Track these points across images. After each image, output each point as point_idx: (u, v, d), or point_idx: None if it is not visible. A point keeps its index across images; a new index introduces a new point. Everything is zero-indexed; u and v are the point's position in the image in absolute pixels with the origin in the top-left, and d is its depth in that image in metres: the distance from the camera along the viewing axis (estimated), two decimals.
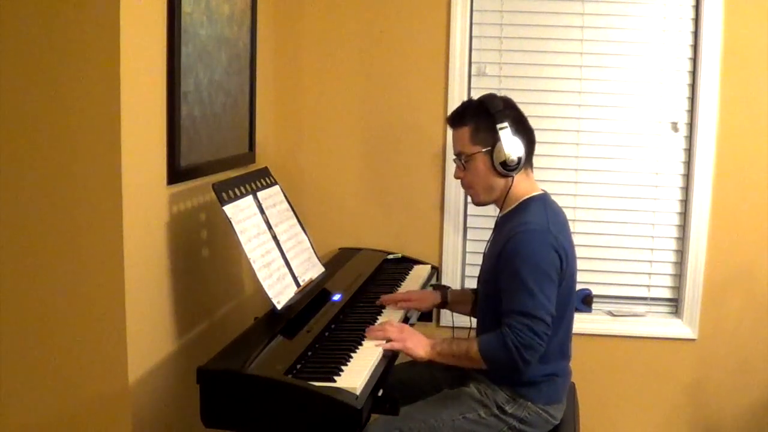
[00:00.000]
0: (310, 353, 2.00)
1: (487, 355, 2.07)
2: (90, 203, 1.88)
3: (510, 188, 2.20)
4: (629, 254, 3.08)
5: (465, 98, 2.90)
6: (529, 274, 2.05)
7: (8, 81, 1.86)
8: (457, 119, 2.24)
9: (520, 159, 2.16)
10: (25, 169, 1.88)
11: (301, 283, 2.29)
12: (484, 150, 2.18)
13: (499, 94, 2.25)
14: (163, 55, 2.08)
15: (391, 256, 3.00)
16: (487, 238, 2.30)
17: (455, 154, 2.27)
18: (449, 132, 2.30)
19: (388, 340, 2.10)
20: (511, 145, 2.15)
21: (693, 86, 2.97)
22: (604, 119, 3.03)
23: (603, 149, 3.04)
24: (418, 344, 2.12)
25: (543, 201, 2.20)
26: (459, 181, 2.31)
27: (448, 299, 2.53)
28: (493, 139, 2.16)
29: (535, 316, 2.03)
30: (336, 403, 1.73)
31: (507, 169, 2.17)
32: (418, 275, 2.82)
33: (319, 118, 3.08)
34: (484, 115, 2.18)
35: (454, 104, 2.77)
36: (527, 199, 2.20)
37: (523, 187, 2.22)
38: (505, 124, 2.15)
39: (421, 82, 3.02)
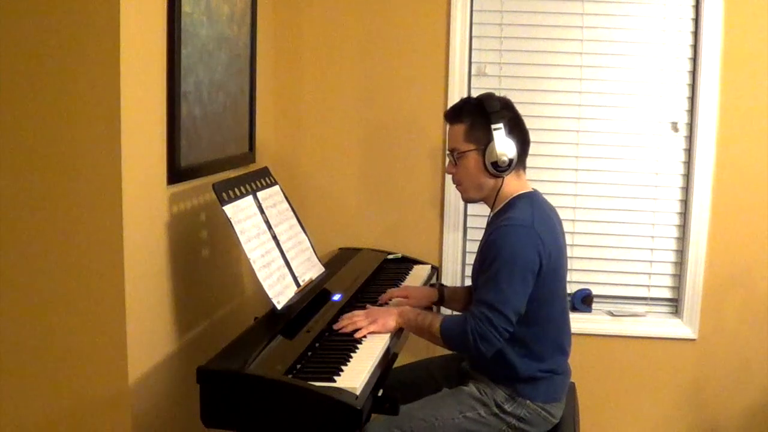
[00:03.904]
0: (310, 353, 2.00)
1: (446, 334, 2.13)
2: (90, 203, 1.88)
3: (500, 189, 2.21)
4: (629, 254, 3.08)
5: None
6: (502, 269, 2.06)
7: (8, 81, 1.86)
8: (454, 115, 2.25)
9: (511, 161, 2.16)
10: (25, 169, 1.88)
11: (301, 283, 2.29)
12: (477, 149, 2.19)
13: (498, 94, 2.25)
14: (163, 55, 2.08)
15: (391, 256, 3.00)
16: None
17: (449, 150, 2.28)
18: (449, 132, 2.30)
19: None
20: (503, 146, 2.15)
21: (693, 86, 2.97)
22: (604, 119, 3.03)
23: (603, 149, 3.04)
24: (387, 318, 2.20)
25: (530, 198, 2.20)
26: (451, 176, 2.32)
27: (445, 296, 2.53)
28: (487, 139, 2.16)
29: (498, 309, 2.05)
30: (336, 403, 1.73)
31: (498, 169, 2.17)
32: (418, 275, 2.82)
33: (319, 118, 3.08)
34: (480, 114, 2.18)
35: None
36: (515, 197, 2.21)
37: (514, 186, 2.22)
38: (500, 125, 2.15)
39: (421, 82, 3.02)
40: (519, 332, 2.11)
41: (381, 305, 2.39)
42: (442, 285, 2.59)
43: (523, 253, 2.07)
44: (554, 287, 2.16)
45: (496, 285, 2.06)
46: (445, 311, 2.59)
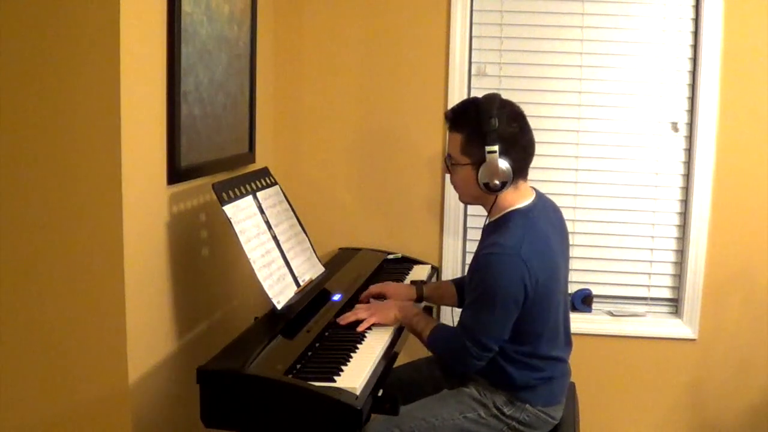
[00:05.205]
0: (310, 353, 2.00)
1: (430, 347, 2.20)
2: (90, 203, 1.88)
3: (496, 200, 2.14)
4: (629, 254, 3.08)
5: (464, 98, 2.87)
6: (484, 298, 2.04)
7: (8, 81, 1.86)
8: (453, 121, 2.17)
9: (504, 183, 2.08)
10: (25, 169, 1.88)
11: (301, 283, 2.29)
12: (471, 163, 2.11)
13: (504, 97, 2.15)
14: (163, 55, 2.08)
15: (391, 256, 3.00)
16: None
17: (447, 153, 2.22)
18: (448, 135, 2.28)
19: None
20: (495, 169, 2.06)
21: (693, 86, 2.97)
22: (604, 119, 3.03)
23: (603, 149, 3.04)
24: (387, 313, 2.25)
25: (525, 216, 2.11)
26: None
27: (423, 294, 2.50)
28: (481, 157, 2.08)
29: (476, 338, 2.06)
30: (336, 404, 1.73)
31: (490, 189, 2.10)
32: (418, 275, 2.81)
33: (319, 118, 3.08)
34: (477, 129, 2.08)
35: (454, 104, 2.76)
36: (510, 212, 2.13)
37: (510, 199, 2.13)
38: (495, 147, 2.05)
39: (421, 82, 3.02)
40: (510, 350, 2.11)
41: (362, 302, 2.41)
42: (422, 282, 2.55)
43: (506, 285, 2.01)
44: (545, 307, 2.10)
45: (477, 312, 2.07)
46: (446, 313, 2.58)
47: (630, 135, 3.02)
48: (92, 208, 1.88)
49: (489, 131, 2.06)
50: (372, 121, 3.07)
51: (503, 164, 2.07)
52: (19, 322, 1.93)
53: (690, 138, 3.00)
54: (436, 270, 3.01)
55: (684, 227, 3.04)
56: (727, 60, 2.91)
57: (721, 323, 3.04)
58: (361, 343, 2.09)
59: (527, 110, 2.20)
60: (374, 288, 2.47)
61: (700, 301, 3.02)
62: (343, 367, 1.91)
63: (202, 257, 2.40)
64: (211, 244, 2.43)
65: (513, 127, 2.10)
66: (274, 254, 2.21)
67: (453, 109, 2.23)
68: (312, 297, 2.31)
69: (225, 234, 2.28)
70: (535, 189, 2.23)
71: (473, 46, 3.03)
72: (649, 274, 3.09)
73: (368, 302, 2.41)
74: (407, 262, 2.97)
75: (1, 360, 1.94)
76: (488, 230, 2.19)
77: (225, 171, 2.50)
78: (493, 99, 2.12)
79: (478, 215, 3.01)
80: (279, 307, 2.11)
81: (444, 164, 2.28)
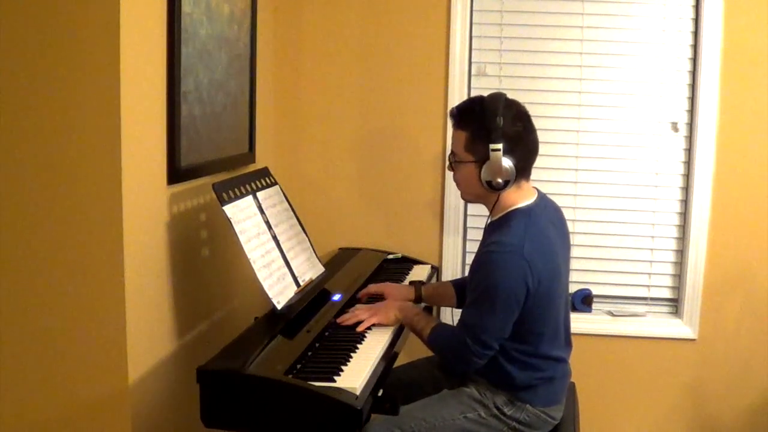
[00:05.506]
0: (310, 353, 2.00)
1: (431, 346, 2.21)
2: (90, 203, 1.88)
3: (498, 199, 2.14)
4: (629, 254, 3.08)
5: (465, 98, 2.87)
6: (485, 296, 2.04)
7: (8, 81, 1.86)
8: (458, 119, 2.17)
9: (507, 182, 2.08)
10: (25, 169, 1.88)
11: (301, 283, 2.29)
12: (474, 161, 2.11)
13: (509, 97, 2.15)
14: (163, 55, 2.08)
15: (391, 256, 3.00)
16: None
17: (450, 150, 2.22)
18: (449, 132, 2.28)
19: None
20: (499, 168, 2.07)
21: (693, 86, 2.97)
22: (604, 119, 3.03)
23: (603, 149, 3.04)
24: (387, 313, 2.25)
25: (527, 215, 2.12)
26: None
27: (422, 294, 2.50)
28: (485, 155, 2.08)
29: (476, 336, 2.06)
30: (336, 404, 1.73)
31: (492, 188, 2.10)
32: (418, 275, 2.81)
33: (318, 117, 3.08)
34: (482, 127, 2.09)
35: (454, 104, 2.75)
36: (512, 211, 2.13)
37: (512, 198, 2.14)
38: (499, 145, 2.06)
39: (421, 82, 3.02)
40: (511, 348, 2.11)
41: (361, 300, 2.42)
42: (421, 283, 2.56)
43: (508, 283, 2.01)
44: (546, 307, 2.10)
45: (478, 311, 2.07)
46: (446, 312, 2.58)
47: (630, 135, 3.02)
48: (92, 208, 1.88)
49: (494, 129, 2.07)
50: (372, 121, 3.07)
51: (506, 163, 2.08)
52: (19, 322, 1.93)
53: (690, 138, 3.00)
54: (436, 270, 3.01)
55: (684, 227, 3.04)
56: (727, 60, 2.91)
57: (721, 323, 3.04)
58: (361, 344, 2.09)
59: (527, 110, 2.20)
60: (373, 287, 2.48)
61: (700, 301, 3.02)
62: (343, 367, 1.91)
63: (202, 257, 2.40)
64: (211, 244, 2.43)
65: (518, 127, 2.11)
66: (274, 254, 2.21)
67: (458, 106, 2.23)
68: (312, 297, 2.31)
69: (225, 234, 2.28)
70: (537, 189, 2.23)
71: (473, 46, 3.03)
72: (649, 274, 3.10)
73: (366, 300, 2.42)
74: (407, 262, 2.97)
75: (1, 360, 1.94)
76: (490, 229, 2.19)
77: (225, 171, 2.50)
78: (498, 98, 2.13)
79: (478, 215, 3.02)
80: (279, 307, 2.11)
81: (447, 161, 2.27)
